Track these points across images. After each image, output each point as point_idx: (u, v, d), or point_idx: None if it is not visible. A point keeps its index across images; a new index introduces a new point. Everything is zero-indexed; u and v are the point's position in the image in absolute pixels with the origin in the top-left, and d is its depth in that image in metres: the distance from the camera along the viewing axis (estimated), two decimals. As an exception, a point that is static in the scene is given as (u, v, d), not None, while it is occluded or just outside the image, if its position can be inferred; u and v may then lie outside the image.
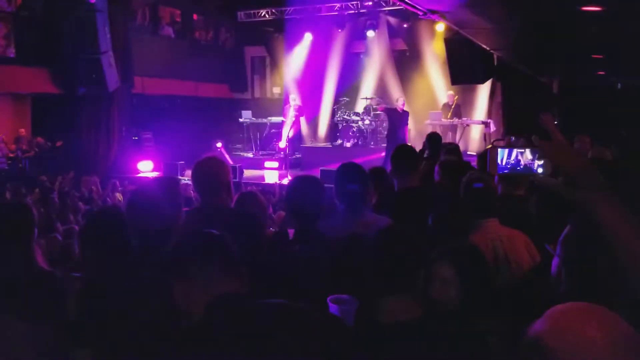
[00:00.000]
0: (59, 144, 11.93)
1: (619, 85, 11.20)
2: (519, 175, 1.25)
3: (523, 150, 1.24)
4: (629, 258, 1.16)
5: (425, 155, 5.59)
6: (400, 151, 3.86)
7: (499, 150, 1.27)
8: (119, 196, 8.65)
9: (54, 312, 2.18)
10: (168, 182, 2.45)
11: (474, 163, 6.01)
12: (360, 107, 15.07)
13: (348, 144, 14.10)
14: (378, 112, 13.73)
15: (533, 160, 1.24)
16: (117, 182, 9.47)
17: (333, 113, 15.46)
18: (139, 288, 1.99)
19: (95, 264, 2.25)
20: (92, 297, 2.06)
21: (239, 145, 15.99)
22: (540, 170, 1.23)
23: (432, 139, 5.93)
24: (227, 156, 10.74)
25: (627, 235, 1.16)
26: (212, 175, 2.88)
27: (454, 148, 5.73)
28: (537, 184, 1.25)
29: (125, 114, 12.47)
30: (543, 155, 1.23)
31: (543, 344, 0.97)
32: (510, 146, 1.25)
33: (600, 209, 1.17)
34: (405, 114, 12.17)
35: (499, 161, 1.26)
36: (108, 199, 8.59)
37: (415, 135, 14.39)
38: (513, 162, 1.26)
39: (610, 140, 8.23)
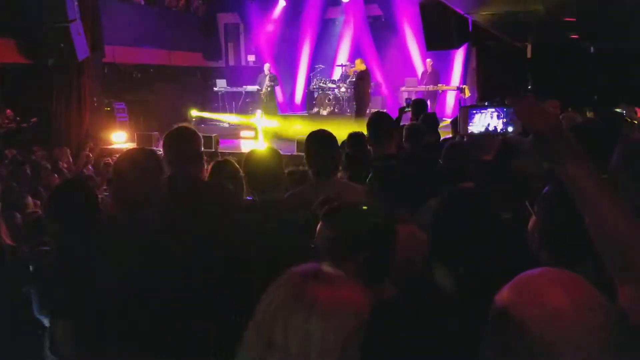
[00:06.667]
0: (33, 120, 11.55)
1: (592, 50, 11.29)
2: (489, 135, 1.26)
3: (494, 111, 1.25)
4: (595, 218, 1.17)
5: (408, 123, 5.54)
6: (377, 117, 3.81)
7: (469, 110, 1.27)
8: (91, 169, 8.52)
9: (15, 285, 2.19)
10: (149, 153, 2.49)
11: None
12: (336, 74, 14.95)
13: (324, 112, 14.04)
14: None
15: (503, 122, 1.25)
16: (90, 154, 9.33)
17: (309, 81, 15.33)
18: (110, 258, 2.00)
19: (63, 237, 2.24)
20: (65, 269, 2.08)
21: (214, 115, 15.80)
22: (510, 129, 1.24)
23: (418, 104, 5.84)
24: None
25: (595, 194, 1.16)
26: (184, 145, 2.82)
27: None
28: (507, 142, 1.26)
29: (96, 84, 12.19)
30: (514, 113, 1.22)
31: (511, 314, 0.93)
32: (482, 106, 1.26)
33: (568, 166, 1.18)
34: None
35: (470, 122, 1.27)
36: (85, 171, 8.47)
37: (391, 102, 14.38)
38: (484, 123, 1.27)
39: (582, 104, 8.33)
